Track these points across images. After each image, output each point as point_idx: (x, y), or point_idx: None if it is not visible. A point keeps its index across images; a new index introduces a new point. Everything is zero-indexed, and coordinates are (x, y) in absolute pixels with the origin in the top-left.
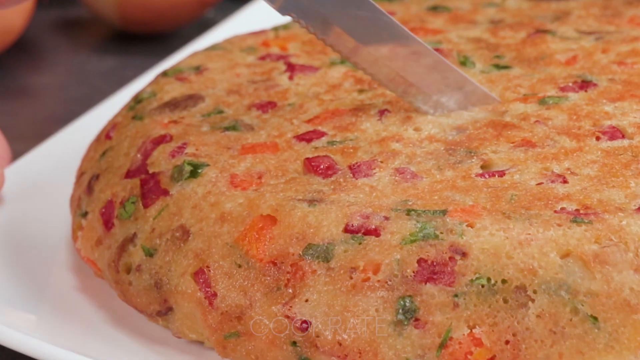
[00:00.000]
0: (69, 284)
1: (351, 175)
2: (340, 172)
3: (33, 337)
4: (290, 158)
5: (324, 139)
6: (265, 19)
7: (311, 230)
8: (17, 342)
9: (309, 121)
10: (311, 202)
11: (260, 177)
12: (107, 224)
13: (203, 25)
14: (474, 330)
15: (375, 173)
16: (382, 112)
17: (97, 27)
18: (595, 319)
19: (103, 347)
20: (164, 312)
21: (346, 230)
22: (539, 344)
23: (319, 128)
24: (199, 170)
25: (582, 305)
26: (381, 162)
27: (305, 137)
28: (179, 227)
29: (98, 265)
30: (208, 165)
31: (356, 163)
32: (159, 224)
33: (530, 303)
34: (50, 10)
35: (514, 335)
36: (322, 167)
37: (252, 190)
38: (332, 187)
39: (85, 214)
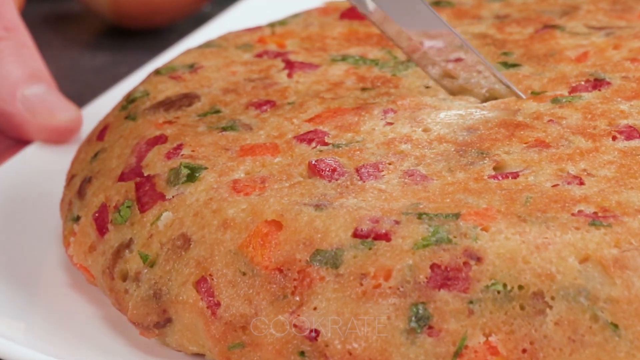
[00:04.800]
0: (60, 291)
1: (358, 178)
2: (347, 174)
3: (22, 346)
4: (294, 161)
5: (330, 140)
6: (262, 13)
7: (319, 235)
8: (5, 350)
9: (309, 120)
10: (318, 206)
11: (263, 182)
12: (101, 229)
13: (199, 20)
14: (490, 338)
15: (383, 175)
16: (386, 112)
17: (89, 21)
18: (616, 326)
19: (97, 357)
20: (162, 323)
21: (355, 235)
22: (557, 353)
23: (320, 128)
24: (197, 174)
25: (602, 312)
26: (389, 164)
27: (306, 138)
28: (180, 235)
29: (91, 272)
30: (206, 168)
31: (363, 165)
32: (157, 230)
33: (548, 310)
34: (41, 4)
35: (531, 343)
36: (327, 170)
37: (255, 196)
38: (338, 190)
39: (77, 219)
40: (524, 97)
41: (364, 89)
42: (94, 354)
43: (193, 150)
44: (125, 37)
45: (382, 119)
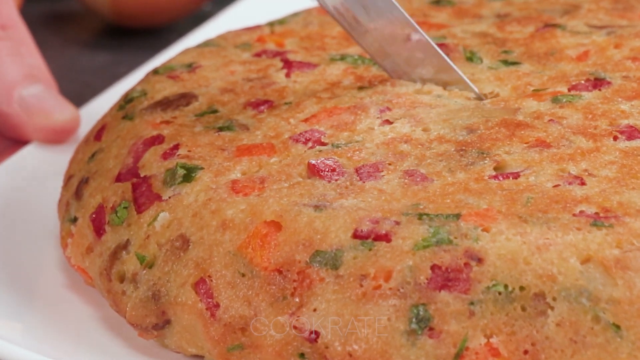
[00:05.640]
0: (58, 293)
1: (358, 178)
2: (346, 175)
3: (20, 347)
4: (294, 162)
5: (326, 140)
6: (261, 12)
7: (318, 236)
8: (3, 351)
9: (306, 120)
10: (317, 207)
11: (262, 182)
12: (98, 231)
13: (199, 19)
14: (491, 340)
15: (383, 176)
16: (382, 110)
17: (88, 21)
18: (618, 327)
19: (95, 358)
20: (161, 325)
21: (355, 235)
22: (559, 354)
23: (316, 127)
24: (193, 174)
25: (604, 313)
26: (389, 164)
27: (302, 138)
28: (179, 236)
29: (89, 274)
30: (202, 168)
31: (363, 165)
32: (154, 231)
33: (549, 311)
34: (41, 3)
35: (532, 344)
36: (327, 170)
37: (254, 196)
38: (338, 191)
39: (74, 220)
40: (480, 95)
41: (360, 88)
42: (92, 355)
43: (189, 151)
44: (124, 37)
45: (378, 118)
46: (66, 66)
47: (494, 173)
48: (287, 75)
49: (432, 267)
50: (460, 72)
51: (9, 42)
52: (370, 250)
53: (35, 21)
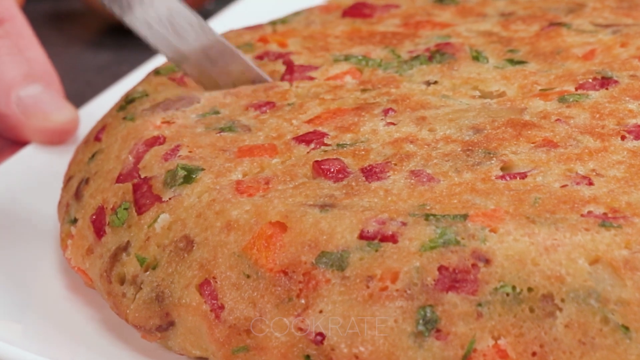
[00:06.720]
0: (58, 294)
1: (364, 178)
2: (352, 175)
3: (20, 348)
4: (299, 162)
5: (329, 141)
6: (264, 10)
7: (324, 237)
8: (3, 353)
9: (309, 121)
10: (323, 207)
11: (267, 183)
12: (99, 232)
13: (203, 17)
14: (498, 342)
15: (389, 176)
16: (386, 112)
17: (91, 20)
18: (627, 328)
19: (95, 359)
20: (164, 326)
21: (361, 236)
22: (567, 356)
23: (320, 129)
24: (193, 175)
25: (613, 315)
26: (395, 164)
27: (305, 139)
28: (183, 237)
29: (89, 276)
30: (203, 169)
31: (369, 166)
32: (154, 233)
33: (558, 312)
34: (43, 2)
35: (541, 346)
36: (332, 170)
37: (259, 197)
38: (344, 191)
39: (74, 221)
40: (270, 80)
41: (364, 90)
42: (92, 357)
43: (190, 152)
44: (127, 36)
45: (382, 120)
46: (68, 65)
47: (501, 173)
48: (290, 80)
49: (439, 268)
50: (246, 59)
51: (7, 40)
52: (376, 251)
53: (38, 20)
